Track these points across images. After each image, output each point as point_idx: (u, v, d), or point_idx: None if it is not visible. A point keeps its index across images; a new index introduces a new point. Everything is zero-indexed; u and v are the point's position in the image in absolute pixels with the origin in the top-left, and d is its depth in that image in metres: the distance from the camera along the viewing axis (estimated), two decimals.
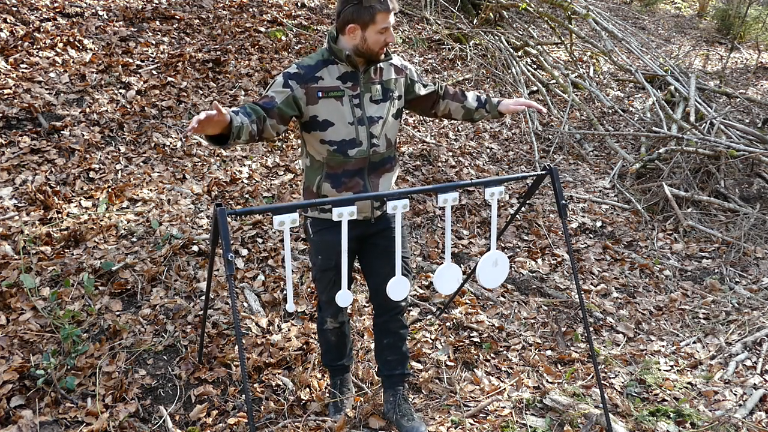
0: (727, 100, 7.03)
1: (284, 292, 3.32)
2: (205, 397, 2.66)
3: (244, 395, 2.66)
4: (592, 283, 4.00)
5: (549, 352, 3.19)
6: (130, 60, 5.01)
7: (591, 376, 2.96)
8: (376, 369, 2.69)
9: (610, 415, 2.51)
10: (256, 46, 5.87)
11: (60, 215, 3.48)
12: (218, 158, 4.38)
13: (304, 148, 2.29)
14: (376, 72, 2.24)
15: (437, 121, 5.96)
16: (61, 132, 4.05)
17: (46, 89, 4.38)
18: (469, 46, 7.57)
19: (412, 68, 2.40)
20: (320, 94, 2.14)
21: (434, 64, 7.07)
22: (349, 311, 2.72)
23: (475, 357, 3.06)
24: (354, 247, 2.39)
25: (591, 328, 3.49)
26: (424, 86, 2.42)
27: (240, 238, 3.68)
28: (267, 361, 2.84)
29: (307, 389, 2.71)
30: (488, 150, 5.75)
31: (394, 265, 2.17)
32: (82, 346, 2.71)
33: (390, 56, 2.27)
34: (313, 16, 7.02)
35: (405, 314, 2.51)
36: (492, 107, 2.50)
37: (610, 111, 6.86)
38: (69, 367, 2.63)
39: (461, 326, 3.29)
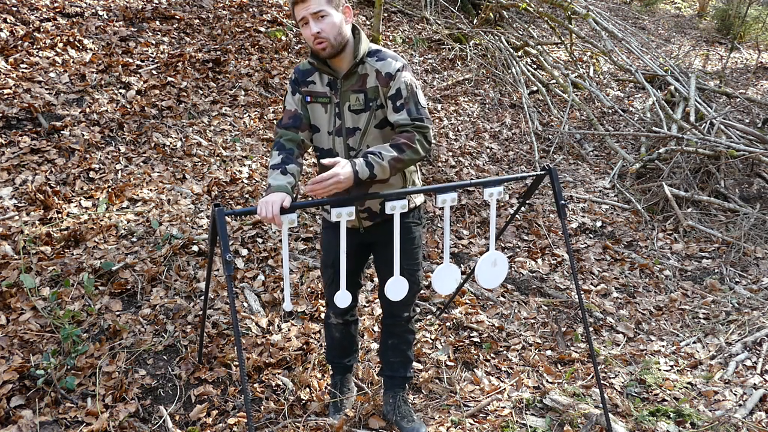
0: (727, 100, 7.02)
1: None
2: (205, 397, 2.66)
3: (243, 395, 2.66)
4: (592, 283, 4.00)
5: (549, 352, 3.19)
6: (130, 60, 5.01)
7: (591, 376, 2.96)
8: (378, 369, 2.70)
9: (610, 415, 2.51)
10: (256, 46, 5.87)
11: (60, 215, 3.48)
12: (218, 158, 4.38)
13: None
14: (359, 80, 2.07)
15: (437, 120, 5.96)
16: (61, 132, 4.05)
17: (46, 89, 4.38)
18: (469, 46, 7.57)
19: (403, 85, 2.04)
20: (308, 98, 2.15)
21: (434, 64, 7.07)
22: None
23: (475, 357, 3.06)
24: (361, 251, 2.39)
25: (591, 328, 3.49)
26: (397, 111, 2.04)
27: (240, 238, 3.68)
28: (267, 361, 2.84)
29: (307, 389, 2.71)
30: (488, 150, 5.75)
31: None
32: (82, 346, 2.71)
33: (362, 61, 2.05)
34: None
35: (412, 323, 2.50)
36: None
37: (610, 111, 6.86)
38: (69, 367, 2.63)
39: (461, 326, 3.29)
